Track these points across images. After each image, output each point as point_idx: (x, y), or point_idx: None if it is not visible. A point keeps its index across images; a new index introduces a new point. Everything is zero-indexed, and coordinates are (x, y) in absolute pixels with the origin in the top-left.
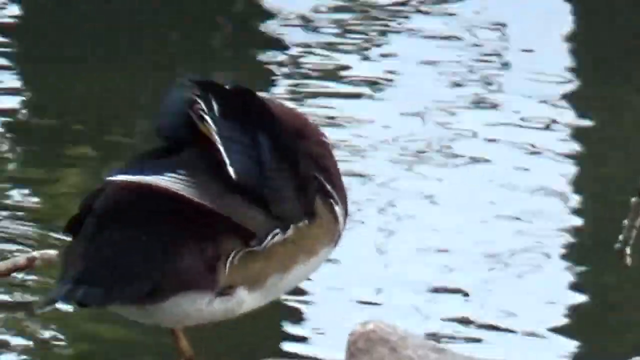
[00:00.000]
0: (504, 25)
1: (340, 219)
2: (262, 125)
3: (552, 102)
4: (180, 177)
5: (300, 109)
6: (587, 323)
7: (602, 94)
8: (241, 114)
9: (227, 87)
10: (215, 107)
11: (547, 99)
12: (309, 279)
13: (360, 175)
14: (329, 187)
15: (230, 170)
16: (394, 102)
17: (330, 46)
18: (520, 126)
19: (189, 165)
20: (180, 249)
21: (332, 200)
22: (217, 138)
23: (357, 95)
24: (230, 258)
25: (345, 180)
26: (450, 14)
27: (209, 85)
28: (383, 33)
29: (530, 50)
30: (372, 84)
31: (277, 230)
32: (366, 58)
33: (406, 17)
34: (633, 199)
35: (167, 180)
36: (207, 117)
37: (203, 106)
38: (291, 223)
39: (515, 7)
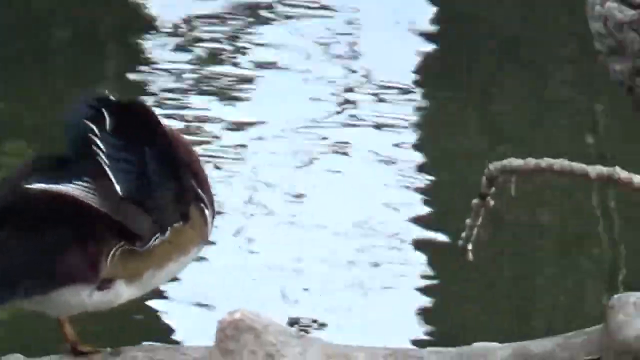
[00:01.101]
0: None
1: (209, 220)
2: (148, 138)
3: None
4: (80, 185)
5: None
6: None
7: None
8: (131, 127)
9: (119, 101)
10: (108, 121)
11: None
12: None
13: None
14: (199, 191)
15: (117, 188)
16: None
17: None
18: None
19: (88, 174)
20: (67, 247)
21: (202, 204)
22: (104, 159)
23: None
24: (111, 254)
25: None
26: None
27: (103, 100)
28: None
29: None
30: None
31: (158, 235)
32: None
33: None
34: (474, 201)
35: (68, 188)
36: (95, 139)
37: (92, 126)
38: (169, 226)
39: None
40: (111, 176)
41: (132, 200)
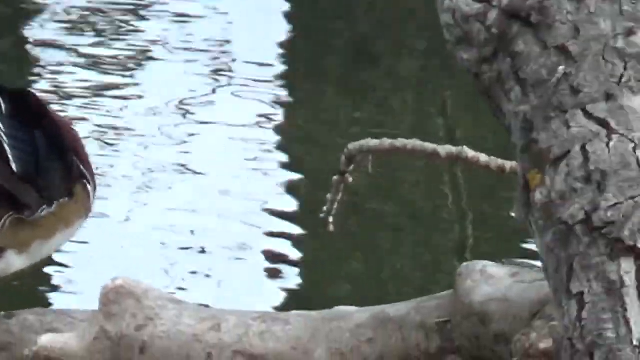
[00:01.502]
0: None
1: (91, 194)
2: (38, 123)
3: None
4: None
5: None
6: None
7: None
8: (23, 113)
9: (11, 89)
10: (4, 107)
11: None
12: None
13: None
14: (82, 168)
15: (13, 166)
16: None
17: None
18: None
19: None
20: None
21: (85, 181)
22: (4, 138)
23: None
24: (1, 223)
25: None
26: None
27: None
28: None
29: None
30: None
31: (45, 207)
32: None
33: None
34: (334, 177)
35: None
36: None
37: None
38: (56, 200)
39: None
40: (9, 154)
41: (24, 177)
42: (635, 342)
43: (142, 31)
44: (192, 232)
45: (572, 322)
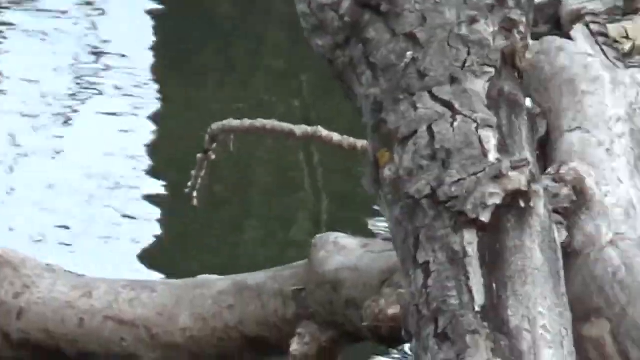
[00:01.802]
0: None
1: None
2: None
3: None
4: None
5: None
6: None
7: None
8: None
9: None
10: None
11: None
12: None
13: None
14: None
15: None
16: None
17: None
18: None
19: None
20: None
21: None
22: None
23: None
24: None
25: None
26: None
27: None
28: None
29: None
30: None
31: None
32: None
33: None
34: (198, 155)
35: None
36: None
37: None
38: None
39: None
40: None
41: None
42: (477, 309)
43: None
44: (57, 211)
45: (418, 289)
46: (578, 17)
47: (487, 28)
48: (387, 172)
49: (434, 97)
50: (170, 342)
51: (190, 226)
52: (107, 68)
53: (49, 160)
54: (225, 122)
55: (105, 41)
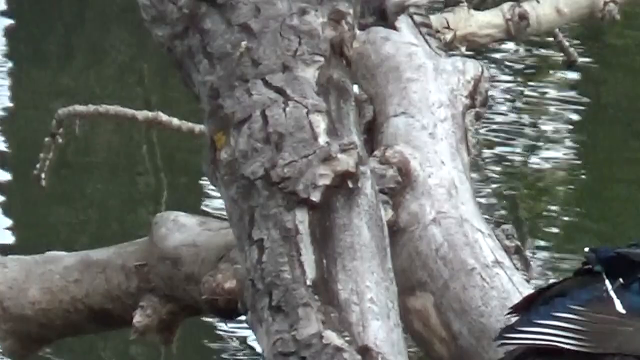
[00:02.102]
0: None
1: None
2: None
3: None
4: None
5: None
6: None
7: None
8: None
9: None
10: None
11: None
12: None
13: None
14: None
15: None
16: None
17: None
18: None
19: None
20: None
21: None
22: None
23: None
24: None
25: None
26: None
27: None
28: None
29: None
30: None
31: None
32: None
33: None
34: (46, 139)
35: None
36: None
37: None
38: None
39: None
40: None
41: None
42: (308, 283)
43: None
44: None
45: (253, 264)
46: (402, 8)
47: (316, 19)
48: (223, 155)
49: (267, 84)
50: (21, 314)
51: (35, 207)
52: None
53: None
54: (70, 107)
55: None
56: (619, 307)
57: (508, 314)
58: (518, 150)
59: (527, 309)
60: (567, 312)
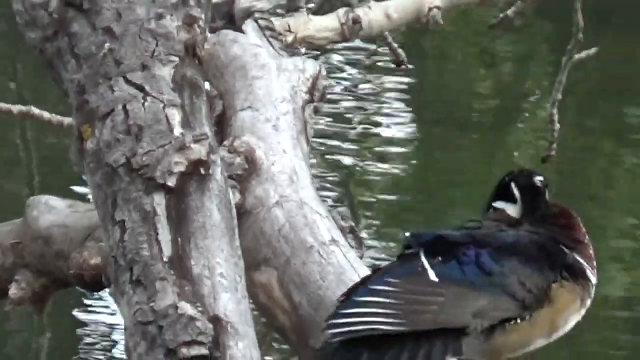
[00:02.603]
0: None
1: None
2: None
3: None
4: None
5: None
6: None
7: None
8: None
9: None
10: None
11: None
12: None
13: None
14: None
15: None
16: None
17: None
18: None
19: None
20: None
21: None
22: None
23: None
24: None
25: None
26: None
27: None
28: None
29: None
30: None
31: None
32: None
33: None
34: None
35: None
36: None
37: None
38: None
39: None
40: None
41: None
42: (165, 259)
43: None
44: None
45: (116, 243)
46: (249, 14)
47: (172, 23)
48: (89, 145)
49: (128, 82)
50: None
51: None
52: None
53: None
54: None
55: None
56: (432, 276)
57: (340, 299)
58: (353, 139)
59: (353, 291)
60: (384, 285)
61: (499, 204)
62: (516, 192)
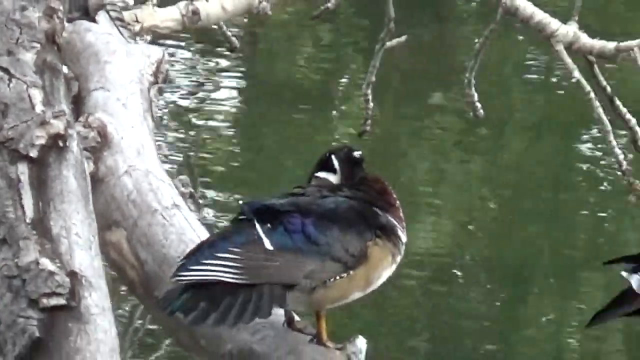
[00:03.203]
0: None
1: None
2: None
3: None
4: None
5: None
6: None
7: None
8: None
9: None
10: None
11: None
12: None
13: None
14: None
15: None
16: None
17: None
18: None
19: None
20: None
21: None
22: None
23: None
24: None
25: None
26: None
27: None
28: None
29: None
30: None
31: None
32: None
33: None
34: None
35: None
36: None
37: None
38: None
39: None
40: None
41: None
42: (27, 221)
43: None
44: None
45: None
46: (101, 6)
47: (34, 14)
48: None
49: None
50: None
51: None
52: None
53: None
54: None
55: None
56: (267, 245)
57: (182, 258)
58: (194, 115)
59: (196, 251)
60: (227, 253)
61: (321, 174)
62: (336, 163)
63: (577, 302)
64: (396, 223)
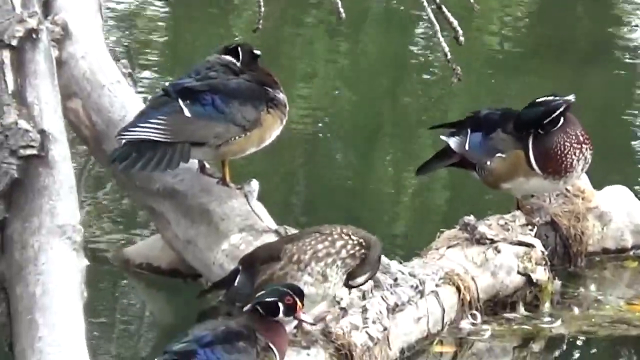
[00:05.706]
0: None
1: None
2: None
3: None
4: None
5: None
6: None
7: None
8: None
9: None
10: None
11: None
12: None
13: None
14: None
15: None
16: None
17: None
18: None
19: None
20: None
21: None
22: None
23: None
24: None
25: None
26: None
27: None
28: None
29: None
30: None
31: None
32: None
33: None
34: None
35: None
36: None
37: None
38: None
39: None
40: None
41: None
42: (9, 92)
43: None
44: None
45: None
46: None
47: None
48: None
49: None
50: None
51: None
52: None
53: None
54: None
55: None
56: (187, 114)
57: (120, 132)
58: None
59: (134, 119)
60: (156, 119)
61: (227, 57)
62: (241, 53)
63: (411, 156)
64: (282, 97)
